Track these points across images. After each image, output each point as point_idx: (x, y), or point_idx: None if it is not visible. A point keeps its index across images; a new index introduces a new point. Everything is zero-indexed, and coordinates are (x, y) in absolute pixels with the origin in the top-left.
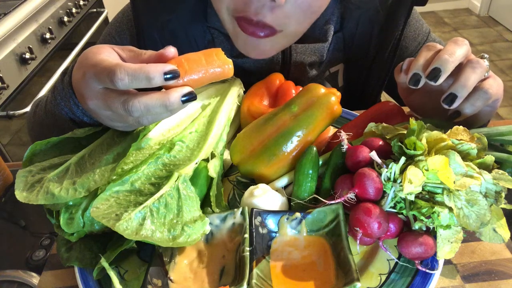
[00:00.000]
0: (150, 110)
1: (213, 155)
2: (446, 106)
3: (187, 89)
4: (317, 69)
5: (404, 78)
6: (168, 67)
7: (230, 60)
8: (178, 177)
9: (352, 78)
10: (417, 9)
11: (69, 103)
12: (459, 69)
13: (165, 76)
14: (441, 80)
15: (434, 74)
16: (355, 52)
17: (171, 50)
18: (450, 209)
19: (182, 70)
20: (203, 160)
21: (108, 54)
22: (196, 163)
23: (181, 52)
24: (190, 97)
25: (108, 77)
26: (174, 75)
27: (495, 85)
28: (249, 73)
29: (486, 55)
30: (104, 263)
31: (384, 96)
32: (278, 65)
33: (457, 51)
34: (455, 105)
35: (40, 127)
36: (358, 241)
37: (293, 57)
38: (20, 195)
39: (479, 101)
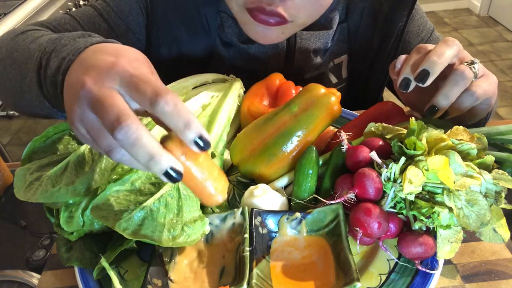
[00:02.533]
0: (136, 144)
1: (213, 155)
2: (428, 117)
3: (179, 167)
4: (321, 57)
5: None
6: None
7: (226, 197)
8: None
9: (355, 70)
10: None
11: (51, 78)
12: (450, 69)
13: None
14: (429, 82)
15: (422, 76)
16: (359, 44)
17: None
18: (450, 209)
19: (189, 154)
20: None
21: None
22: None
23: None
24: (172, 177)
25: (110, 121)
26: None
27: (484, 85)
28: (254, 58)
29: (476, 60)
30: (104, 263)
31: (386, 96)
32: (283, 51)
33: (447, 52)
34: (437, 115)
35: (7, 55)
36: (358, 241)
37: (297, 43)
38: (19, 193)
39: (465, 103)
